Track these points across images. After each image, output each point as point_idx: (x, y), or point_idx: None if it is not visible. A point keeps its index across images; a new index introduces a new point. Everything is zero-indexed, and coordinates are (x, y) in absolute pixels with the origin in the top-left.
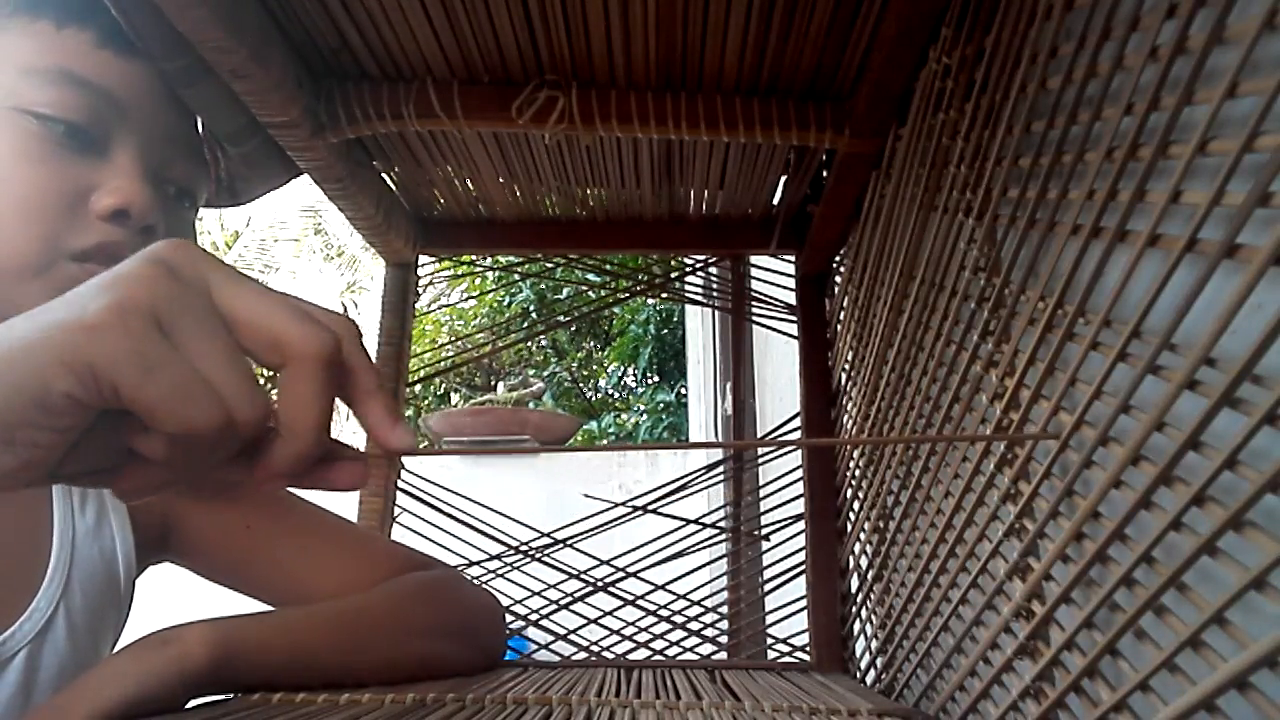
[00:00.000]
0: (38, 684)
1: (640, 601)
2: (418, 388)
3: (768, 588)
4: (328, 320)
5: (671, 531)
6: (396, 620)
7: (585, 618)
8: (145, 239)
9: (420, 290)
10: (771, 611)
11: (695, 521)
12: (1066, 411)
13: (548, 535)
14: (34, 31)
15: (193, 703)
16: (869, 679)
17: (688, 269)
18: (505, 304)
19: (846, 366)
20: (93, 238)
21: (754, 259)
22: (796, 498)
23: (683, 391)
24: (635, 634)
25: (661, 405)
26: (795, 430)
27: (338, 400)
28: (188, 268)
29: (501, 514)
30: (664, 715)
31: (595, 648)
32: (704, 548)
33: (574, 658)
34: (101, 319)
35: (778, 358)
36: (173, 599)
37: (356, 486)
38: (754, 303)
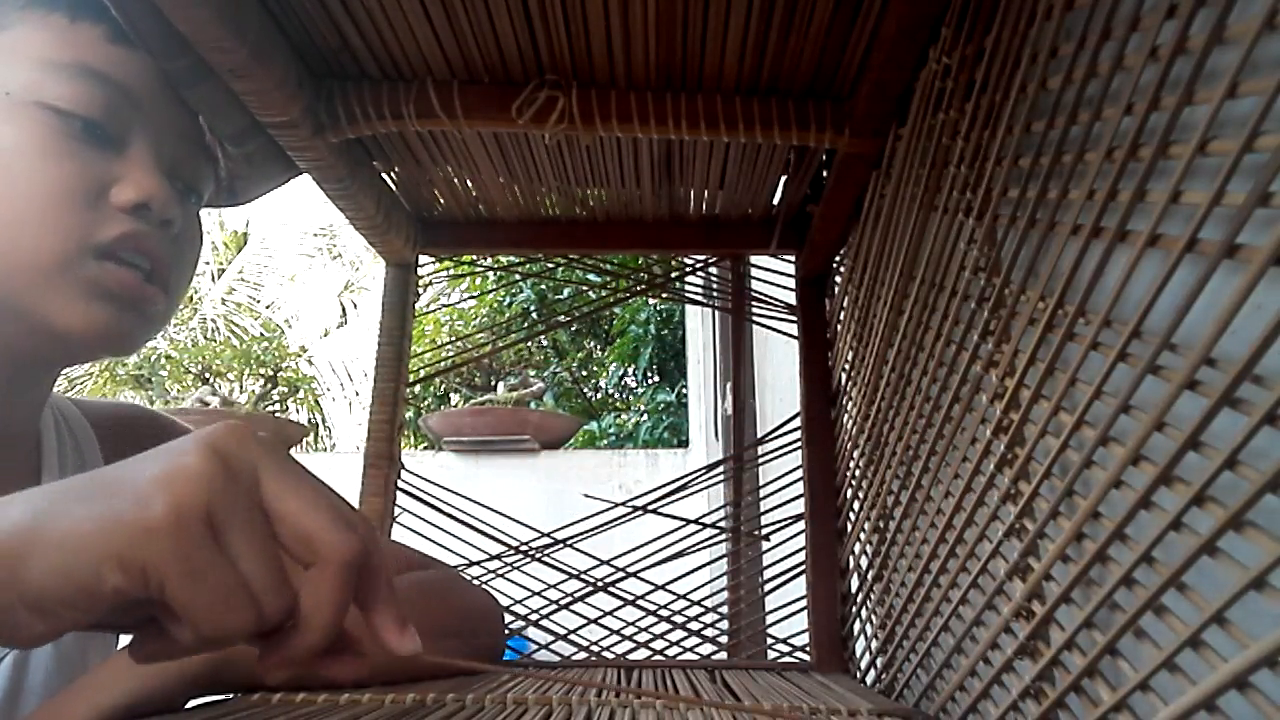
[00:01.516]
0: (25, 690)
1: (640, 601)
2: (418, 388)
3: (768, 588)
4: (360, 526)
5: (671, 531)
6: None
7: (585, 618)
8: (164, 232)
9: (420, 290)
10: (771, 611)
11: (695, 521)
12: (1066, 411)
13: (548, 535)
14: (48, 25)
15: (193, 703)
16: (869, 679)
17: (688, 269)
18: (505, 304)
19: (846, 366)
20: (115, 230)
21: (754, 259)
22: (796, 498)
23: (683, 391)
24: (635, 634)
25: (662, 405)
26: (795, 430)
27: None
28: (242, 462)
29: (501, 514)
30: (664, 715)
31: (595, 648)
32: (704, 548)
33: (574, 658)
34: (161, 523)
35: (778, 358)
36: None
37: (348, 683)
38: (754, 303)
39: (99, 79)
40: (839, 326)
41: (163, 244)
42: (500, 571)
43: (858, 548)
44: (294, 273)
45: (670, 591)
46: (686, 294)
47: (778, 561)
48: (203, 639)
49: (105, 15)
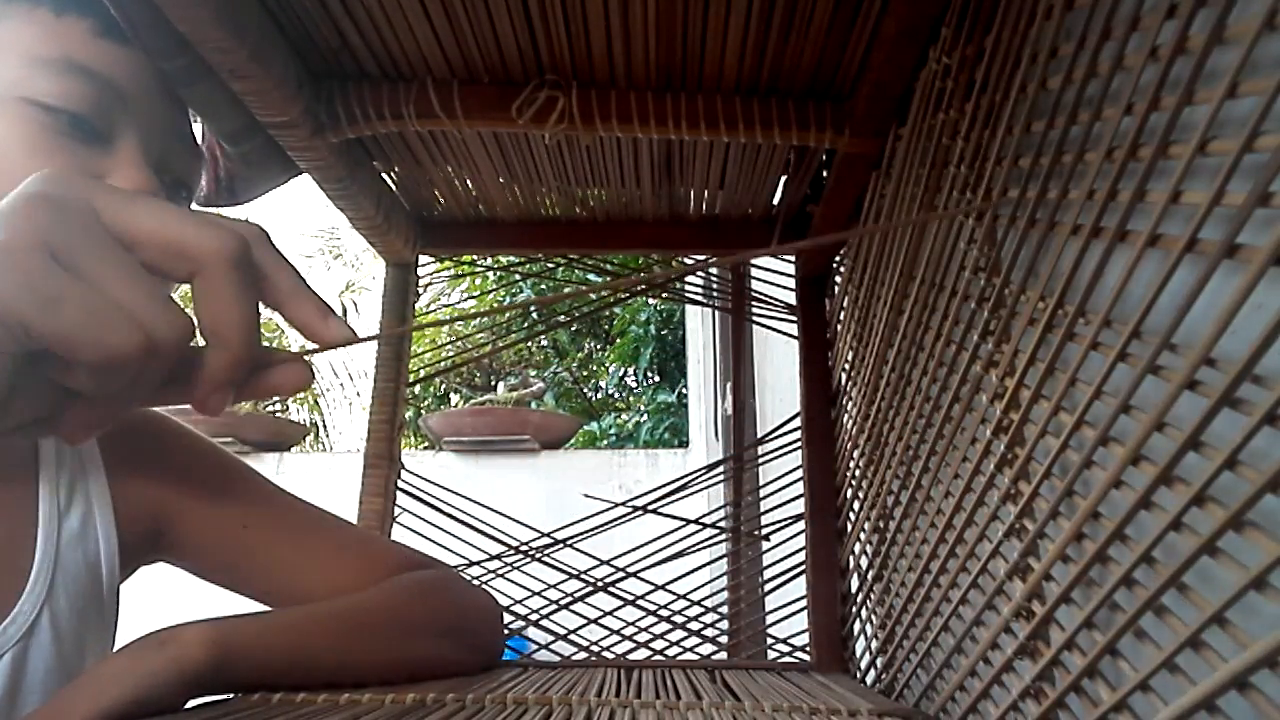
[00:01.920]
0: (24, 688)
1: (640, 601)
2: (417, 388)
3: (768, 588)
4: (231, 224)
5: (671, 531)
6: (395, 620)
7: (585, 618)
8: None
9: (420, 290)
10: (771, 611)
11: (695, 521)
12: (1066, 411)
13: (548, 535)
14: (34, 19)
15: (192, 703)
16: (869, 679)
17: (688, 269)
18: (505, 304)
19: (846, 366)
20: None
21: (754, 259)
22: (796, 498)
23: (683, 392)
24: (635, 634)
25: (662, 405)
26: (795, 430)
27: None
28: (70, 194)
29: (501, 514)
30: (664, 715)
31: (595, 648)
32: (704, 548)
33: (574, 658)
34: None
35: (778, 358)
36: (170, 599)
37: (301, 388)
38: (754, 303)
39: (85, 74)
40: (839, 326)
41: None
42: (500, 571)
43: (858, 548)
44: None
45: (670, 591)
46: (686, 294)
47: (778, 561)
48: (95, 371)
49: (92, 9)
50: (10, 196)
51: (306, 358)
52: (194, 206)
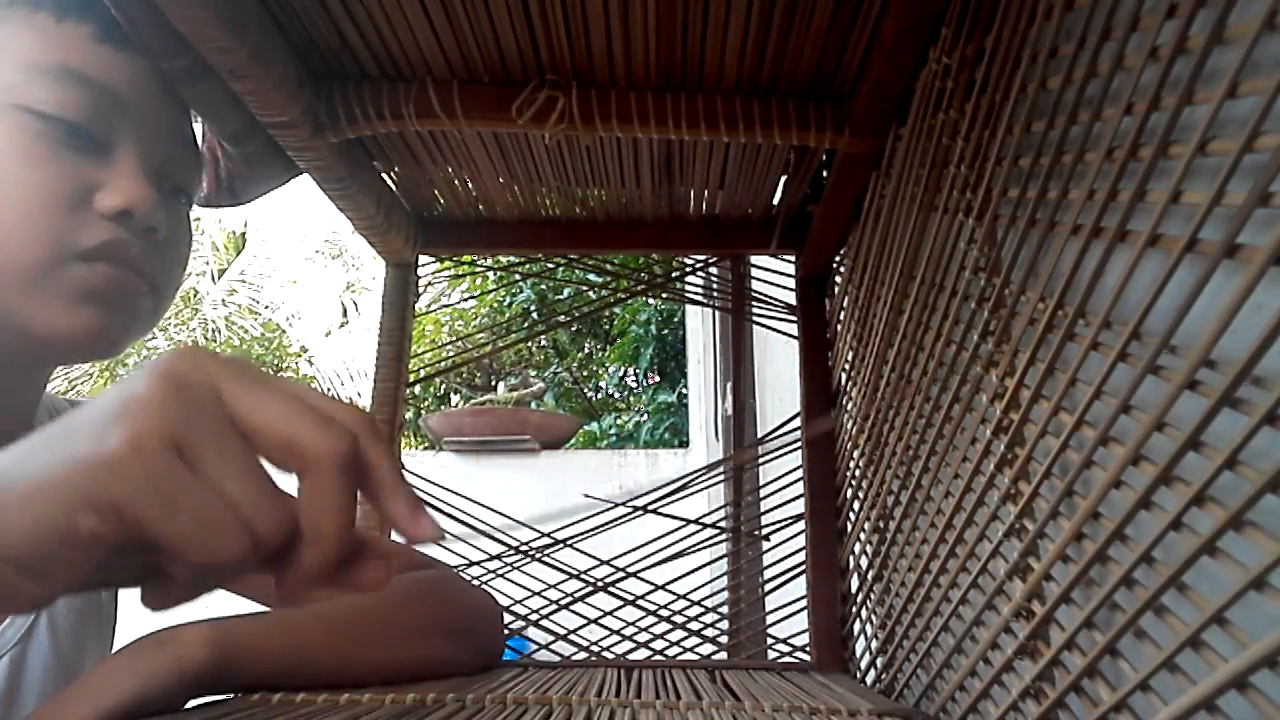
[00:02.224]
0: (23, 690)
1: (640, 601)
2: (418, 388)
3: (768, 588)
4: (344, 417)
5: (671, 531)
6: (395, 620)
7: (585, 618)
8: (148, 238)
9: (420, 290)
10: (771, 611)
11: (695, 521)
12: (1066, 411)
13: (548, 535)
14: (33, 24)
15: (192, 703)
16: (869, 679)
17: (688, 269)
18: (505, 304)
19: (846, 366)
20: (98, 237)
21: (754, 259)
22: (796, 498)
23: (683, 392)
24: (635, 634)
25: (662, 405)
26: (795, 430)
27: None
28: (198, 380)
29: (501, 514)
30: (664, 715)
31: (595, 648)
32: (704, 548)
33: (574, 658)
34: (120, 455)
35: (778, 358)
36: None
37: (381, 587)
38: (754, 303)
39: (84, 82)
40: (839, 326)
41: (145, 251)
42: (500, 571)
43: (858, 548)
44: (295, 275)
45: (670, 591)
46: (686, 294)
47: (778, 561)
48: (200, 570)
49: (92, 13)
50: (145, 374)
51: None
52: (194, 207)
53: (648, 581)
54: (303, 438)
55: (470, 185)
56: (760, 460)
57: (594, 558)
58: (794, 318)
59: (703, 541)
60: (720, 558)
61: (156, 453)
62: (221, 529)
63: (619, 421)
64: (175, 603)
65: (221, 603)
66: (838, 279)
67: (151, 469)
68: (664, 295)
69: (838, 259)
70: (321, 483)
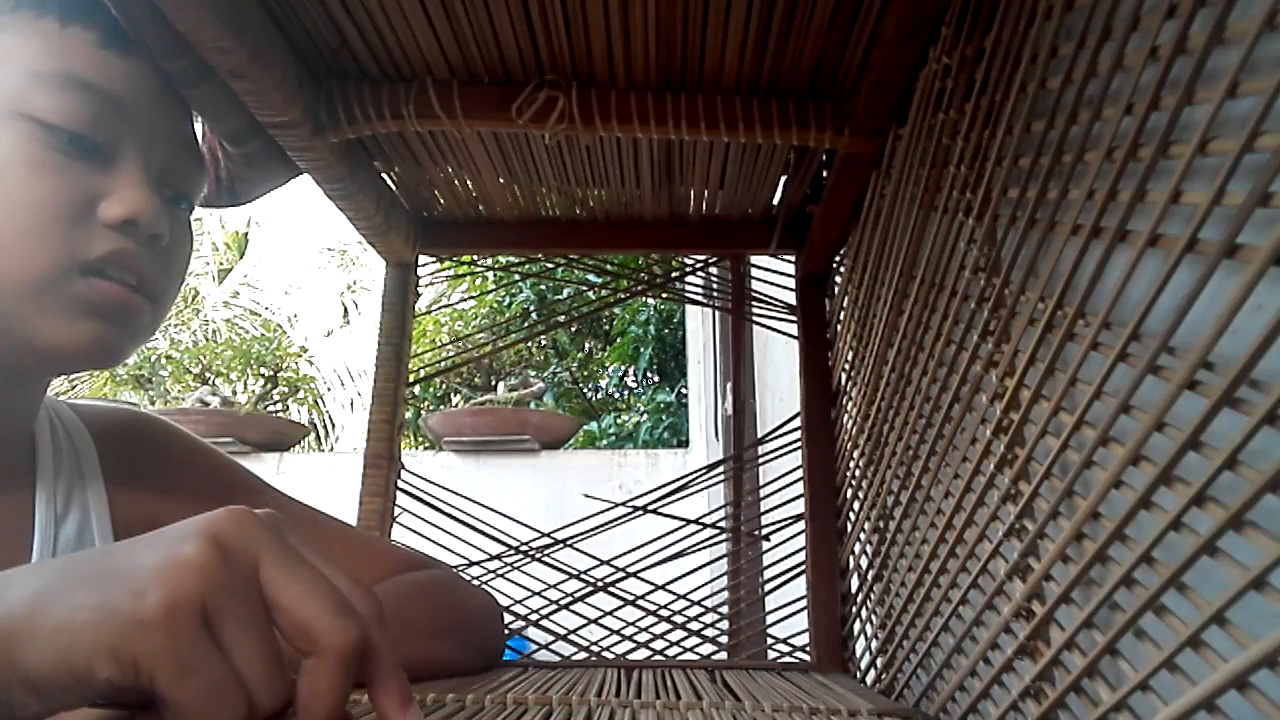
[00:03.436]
0: None
1: (640, 601)
2: (417, 388)
3: (768, 588)
4: (361, 605)
5: (671, 531)
6: (395, 620)
7: (585, 618)
8: (152, 246)
9: (420, 290)
10: (771, 611)
11: (695, 521)
12: (1066, 411)
13: (548, 535)
14: (38, 30)
15: None
16: (869, 679)
17: (688, 269)
18: (505, 304)
19: (846, 366)
20: (102, 247)
21: (754, 259)
22: (796, 498)
23: (683, 392)
24: (635, 634)
25: (662, 405)
26: (795, 430)
27: None
28: (242, 550)
29: (501, 514)
30: (664, 715)
31: (595, 648)
32: (704, 548)
33: (574, 658)
34: (155, 617)
35: (778, 358)
36: None
37: None
38: (754, 303)
39: (87, 89)
40: (839, 326)
41: (150, 260)
42: (500, 571)
43: (858, 548)
44: (296, 277)
45: (670, 591)
46: (686, 294)
47: (778, 561)
48: None
49: (97, 19)
50: (192, 531)
51: None
52: (195, 209)
53: (648, 581)
54: (319, 625)
55: (470, 185)
56: (760, 460)
57: (594, 558)
58: (794, 318)
59: (703, 541)
60: (720, 558)
61: (187, 620)
62: (225, 700)
63: (619, 421)
64: None
65: None
66: (838, 279)
67: (179, 635)
68: (664, 295)
69: (838, 259)
70: (328, 669)
